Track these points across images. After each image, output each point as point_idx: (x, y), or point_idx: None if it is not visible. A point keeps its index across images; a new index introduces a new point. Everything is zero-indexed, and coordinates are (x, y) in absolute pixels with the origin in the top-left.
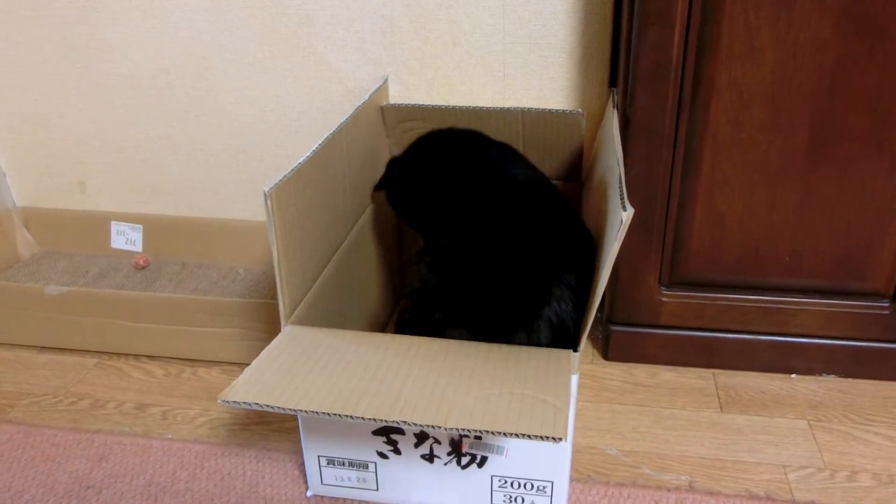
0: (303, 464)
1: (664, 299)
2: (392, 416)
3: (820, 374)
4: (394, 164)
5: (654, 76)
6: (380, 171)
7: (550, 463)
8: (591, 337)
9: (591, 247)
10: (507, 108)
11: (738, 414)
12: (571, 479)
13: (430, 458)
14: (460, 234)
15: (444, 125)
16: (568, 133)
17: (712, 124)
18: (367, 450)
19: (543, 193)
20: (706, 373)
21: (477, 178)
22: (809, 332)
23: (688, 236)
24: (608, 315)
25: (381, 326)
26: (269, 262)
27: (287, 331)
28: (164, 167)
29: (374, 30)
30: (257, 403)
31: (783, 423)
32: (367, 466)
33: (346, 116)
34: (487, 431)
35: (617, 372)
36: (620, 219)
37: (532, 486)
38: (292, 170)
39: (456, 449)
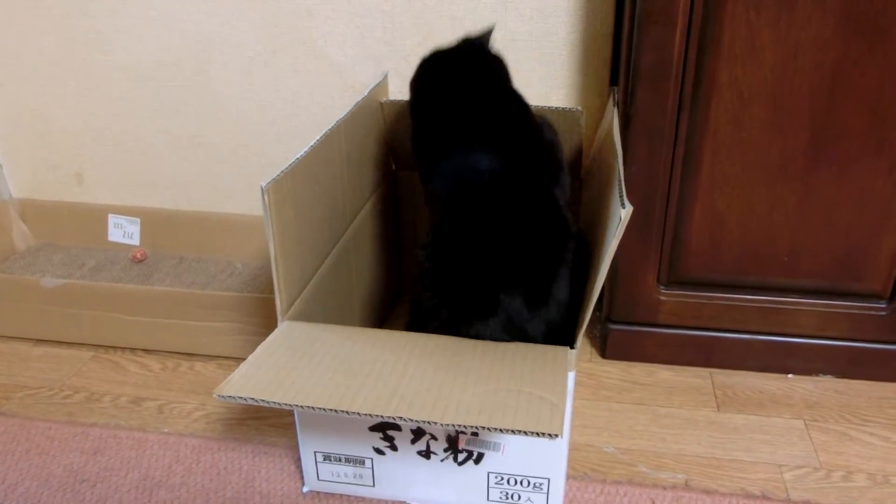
0: (299, 459)
1: (663, 298)
2: (388, 412)
3: (817, 375)
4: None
5: (654, 75)
6: (379, 166)
7: (547, 460)
8: (590, 335)
9: (561, 245)
10: None
11: (735, 413)
12: (568, 477)
13: (426, 454)
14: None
15: None
16: (568, 131)
17: (712, 123)
18: (364, 446)
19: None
20: (704, 372)
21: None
22: (807, 332)
23: (687, 235)
24: (606, 313)
25: (378, 322)
26: (267, 257)
27: (284, 326)
28: (162, 160)
29: (375, 25)
30: (253, 398)
31: (780, 423)
32: (363, 462)
33: (346, 111)
34: (484, 427)
35: (615, 370)
36: (619, 216)
37: (528, 482)
38: (290, 165)
39: (452, 445)
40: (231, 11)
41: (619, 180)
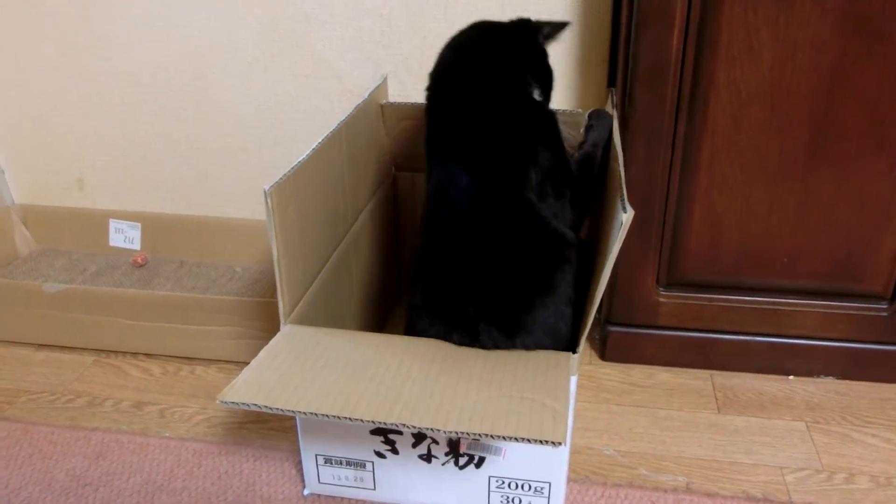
0: (300, 462)
1: (662, 300)
2: (391, 419)
3: (817, 376)
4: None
5: (653, 76)
6: (379, 169)
7: (548, 464)
8: (589, 337)
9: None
10: None
11: (736, 415)
12: (569, 480)
13: (427, 458)
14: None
15: None
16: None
17: (711, 124)
18: (365, 449)
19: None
20: (704, 374)
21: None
22: (807, 333)
23: (686, 237)
24: (606, 315)
25: (378, 323)
26: (267, 261)
27: (286, 330)
28: (162, 165)
29: (373, 29)
30: (256, 404)
31: (780, 425)
32: (364, 466)
33: (346, 115)
34: (487, 435)
35: (614, 372)
36: (620, 220)
37: (529, 486)
38: (292, 168)
39: (454, 449)
40: (230, 17)
41: (621, 183)
